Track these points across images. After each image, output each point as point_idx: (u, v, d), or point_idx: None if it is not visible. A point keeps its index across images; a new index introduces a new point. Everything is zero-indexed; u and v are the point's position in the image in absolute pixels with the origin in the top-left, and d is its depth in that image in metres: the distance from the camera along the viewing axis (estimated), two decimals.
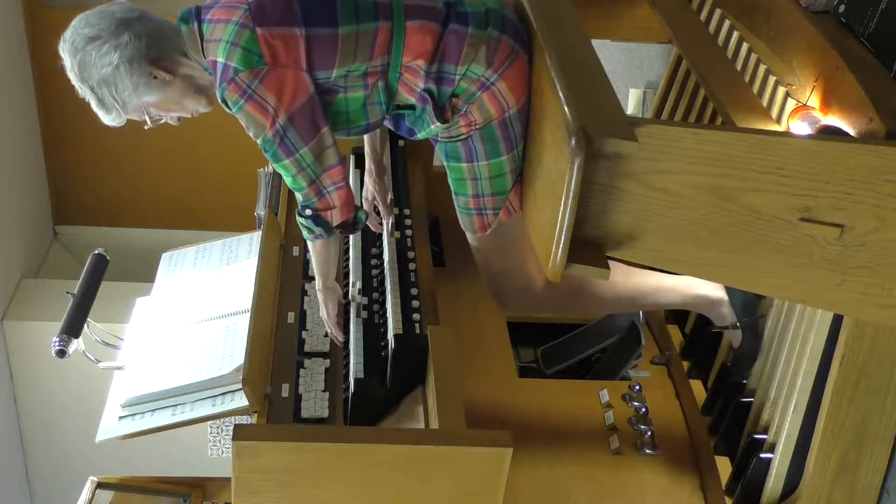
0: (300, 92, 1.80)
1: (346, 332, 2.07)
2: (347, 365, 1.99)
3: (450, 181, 2.00)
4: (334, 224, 1.93)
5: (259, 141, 1.85)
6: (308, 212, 1.92)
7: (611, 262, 2.02)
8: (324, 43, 1.80)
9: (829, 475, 1.82)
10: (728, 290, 2.09)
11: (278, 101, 1.79)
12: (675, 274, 2.10)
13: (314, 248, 2.01)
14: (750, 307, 2.06)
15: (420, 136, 1.96)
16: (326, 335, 2.10)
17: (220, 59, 1.81)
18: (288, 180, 1.90)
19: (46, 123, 5.03)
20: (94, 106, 1.92)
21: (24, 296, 4.60)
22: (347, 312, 2.10)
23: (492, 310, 2.36)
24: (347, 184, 1.91)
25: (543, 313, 2.17)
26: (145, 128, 1.98)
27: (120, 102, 1.89)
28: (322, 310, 2.08)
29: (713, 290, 2.11)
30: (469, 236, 2.05)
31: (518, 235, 1.97)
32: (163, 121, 1.98)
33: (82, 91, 1.90)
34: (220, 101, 1.86)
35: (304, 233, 1.98)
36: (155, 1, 1.96)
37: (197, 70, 1.91)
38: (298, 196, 1.92)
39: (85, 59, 1.85)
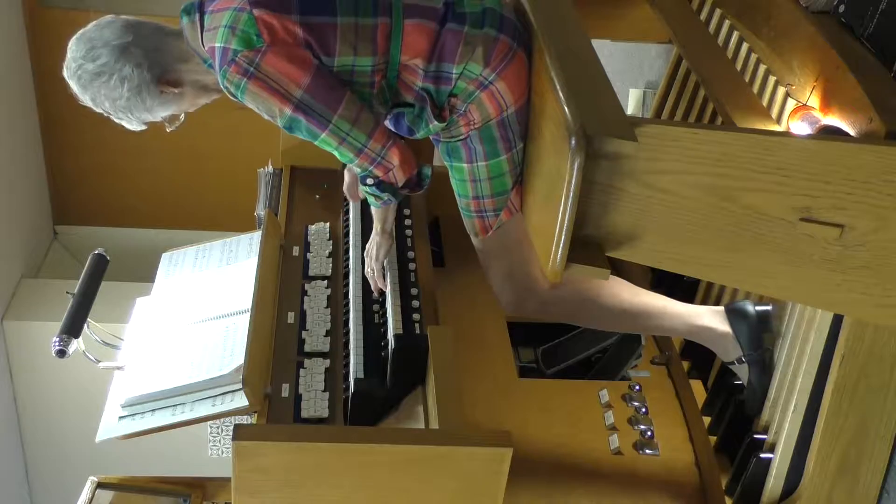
0: (306, 64, 1.79)
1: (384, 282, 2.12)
2: (347, 365, 2.00)
3: (452, 182, 2.00)
4: (400, 184, 1.94)
5: (280, 122, 1.85)
6: (370, 181, 1.93)
7: (620, 280, 2.03)
8: (322, 30, 1.81)
9: (829, 475, 1.82)
10: (732, 324, 2.03)
11: (287, 77, 1.79)
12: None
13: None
14: (755, 340, 2.00)
15: (419, 135, 1.96)
16: (327, 334, 2.10)
17: (219, 44, 1.81)
18: (336, 155, 1.90)
19: (46, 123, 5.04)
20: (114, 120, 1.98)
21: (24, 296, 4.61)
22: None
23: (492, 310, 2.36)
24: (397, 139, 1.90)
25: (548, 319, 2.15)
26: (168, 130, 2.04)
27: (137, 120, 1.96)
28: (373, 251, 2.12)
29: (718, 324, 2.05)
30: (472, 239, 2.05)
31: (521, 238, 1.97)
32: (182, 118, 2.03)
33: (98, 111, 1.96)
34: (223, 87, 1.85)
35: (371, 200, 2.00)
36: (155, 3, 1.96)
37: (200, 71, 1.92)
38: (353, 168, 1.93)
39: (95, 95, 1.91)
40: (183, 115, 2.03)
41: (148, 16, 2.01)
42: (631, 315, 2.06)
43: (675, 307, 2.09)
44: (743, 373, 2.03)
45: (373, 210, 2.10)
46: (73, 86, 1.92)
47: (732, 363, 2.04)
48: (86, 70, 1.88)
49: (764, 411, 1.97)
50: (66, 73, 1.92)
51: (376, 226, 2.12)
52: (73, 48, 1.91)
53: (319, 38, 1.80)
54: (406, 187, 1.96)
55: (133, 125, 1.98)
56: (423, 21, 1.85)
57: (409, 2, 1.85)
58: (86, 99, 1.92)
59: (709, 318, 2.07)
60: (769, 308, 2.00)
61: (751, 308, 2.01)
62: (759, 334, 2.00)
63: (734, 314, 2.03)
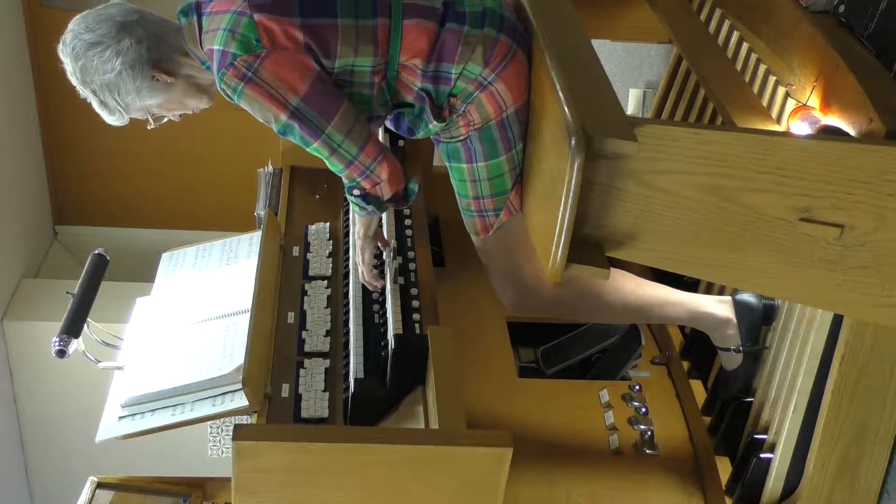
0: (306, 71, 1.79)
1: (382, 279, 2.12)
2: (347, 365, 2.00)
3: (452, 181, 2.00)
4: (385, 198, 1.94)
5: (275, 127, 1.84)
6: (356, 192, 1.93)
7: (621, 272, 2.04)
8: (323, 32, 1.80)
9: (829, 475, 1.82)
10: (738, 312, 2.05)
11: (284, 84, 1.78)
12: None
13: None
14: (756, 334, 2.03)
15: (419, 134, 1.96)
16: (327, 334, 2.10)
17: (218, 47, 1.80)
18: (327, 164, 1.90)
19: (46, 123, 5.03)
20: (95, 107, 1.94)
21: (24, 296, 4.60)
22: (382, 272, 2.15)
23: (492, 310, 2.36)
24: (388, 153, 1.90)
25: (550, 315, 2.15)
26: (148, 127, 2.00)
27: (123, 105, 1.92)
28: (357, 255, 2.12)
29: (721, 310, 2.07)
30: (473, 237, 2.05)
31: (522, 236, 1.97)
32: (165, 120, 2.01)
33: (84, 93, 1.92)
34: (220, 90, 1.85)
35: (356, 210, 2.01)
36: (155, 3, 1.96)
37: (197, 69, 1.92)
38: (342, 178, 1.93)
39: (87, 65, 1.87)
40: (171, 115, 2.00)
41: None
42: (634, 307, 2.08)
43: (676, 296, 2.10)
44: (731, 361, 2.07)
45: (356, 217, 2.10)
46: (66, 59, 1.88)
47: (727, 349, 2.06)
48: (82, 40, 1.85)
49: (764, 411, 1.97)
50: (59, 47, 1.89)
51: (359, 231, 2.11)
52: (73, 23, 1.89)
53: (320, 40, 1.80)
54: (391, 201, 1.96)
55: (115, 115, 1.93)
56: (423, 21, 1.84)
57: (409, 1, 1.85)
58: (75, 71, 1.88)
59: (711, 305, 2.09)
60: (774, 303, 2.02)
61: (757, 301, 2.04)
62: (760, 328, 2.03)
63: (740, 305, 2.06)
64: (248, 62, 1.77)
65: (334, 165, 1.89)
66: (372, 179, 1.90)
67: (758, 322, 2.04)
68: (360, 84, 1.86)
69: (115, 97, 1.89)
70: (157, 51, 1.88)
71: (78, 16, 1.90)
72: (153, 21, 1.91)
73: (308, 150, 1.87)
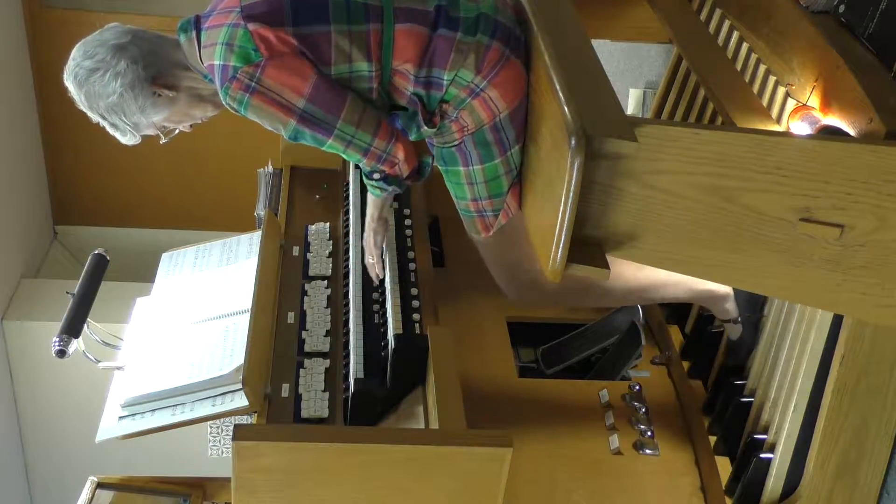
0: (305, 73, 1.80)
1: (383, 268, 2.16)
2: (347, 365, 2.00)
3: (448, 185, 2.01)
4: (405, 176, 1.98)
5: (286, 133, 1.86)
6: (376, 175, 1.97)
7: (620, 259, 2.05)
8: (316, 40, 1.81)
9: (829, 475, 1.82)
10: (735, 287, 2.09)
11: (288, 88, 1.79)
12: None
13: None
14: (754, 303, 2.08)
15: (412, 137, 1.97)
16: (327, 334, 2.10)
17: (218, 62, 1.81)
18: (343, 157, 1.93)
19: (46, 123, 5.04)
20: (108, 129, 1.98)
21: (24, 296, 4.61)
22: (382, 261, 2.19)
23: (492, 310, 2.37)
24: (399, 133, 1.92)
25: (554, 306, 2.17)
26: (161, 142, 2.02)
27: (131, 125, 1.95)
28: (369, 238, 2.16)
29: (719, 286, 2.12)
30: (473, 236, 2.05)
31: (522, 232, 1.98)
32: (176, 132, 2.03)
33: (94, 118, 1.96)
34: (224, 104, 1.87)
35: (376, 192, 2.06)
36: (155, 3, 1.96)
37: (198, 80, 1.93)
38: (361, 165, 1.97)
39: (90, 91, 1.90)
40: (177, 129, 2.02)
41: (148, 16, 2.01)
42: (635, 291, 2.12)
43: (676, 276, 2.12)
44: (734, 331, 2.12)
45: (371, 199, 2.13)
46: (71, 87, 1.92)
47: (728, 321, 2.12)
48: (83, 67, 1.89)
49: (764, 411, 1.97)
50: (65, 76, 1.92)
51: (373, 213, 2.15)
52: (75, 51, 1.93)
53: (314, 48, 1.81)
54: (409, 178, 1.99)
55: (126, 135, 1.97)
56: (415, 26, 1.85)
57: (401, 6, 1.85)
58: (81, 99, 1.92)
59: (710, 282, 2.11)
60: None
61: None
62: (758, 299, 2.07)
63: None
64: (250, 73, 1.79)
65: (352, 156, 1.91)
66: (390, 161, 1.92)
67: (755, 293, 2.06)
68: (360, 90, 1.86)
69: (122, 118, 1.93)
70: (153, 67, 1.90)
71: (79, 43, 1.94)
72: (146, 39, 1.92)
73: (323, 148, 1.88)
